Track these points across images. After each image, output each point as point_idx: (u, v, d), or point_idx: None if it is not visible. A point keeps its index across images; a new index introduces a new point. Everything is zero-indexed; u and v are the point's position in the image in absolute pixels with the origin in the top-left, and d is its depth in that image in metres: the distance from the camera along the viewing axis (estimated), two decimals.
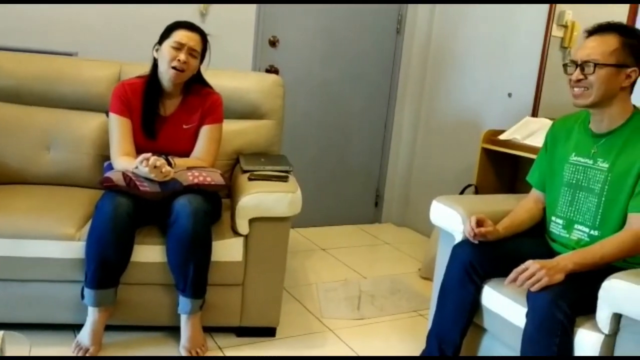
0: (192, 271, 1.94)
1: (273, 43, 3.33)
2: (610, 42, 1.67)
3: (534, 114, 2.96)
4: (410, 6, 3.64)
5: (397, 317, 2.55)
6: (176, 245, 1.94)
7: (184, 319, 2.02)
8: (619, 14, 2.52)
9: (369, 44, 3.61)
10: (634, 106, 1.74)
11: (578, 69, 1.70)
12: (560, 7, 2.87)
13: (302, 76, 3.46)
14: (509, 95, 3.12)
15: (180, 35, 2.08)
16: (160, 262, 2.02)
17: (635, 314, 1.45)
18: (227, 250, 2.08)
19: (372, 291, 2.79)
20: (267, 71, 3.32)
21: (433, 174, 3.70)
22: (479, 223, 1.84)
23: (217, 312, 2.13)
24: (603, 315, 1.53)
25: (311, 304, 2.60)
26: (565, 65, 1.77)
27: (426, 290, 2.72)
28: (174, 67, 2.07)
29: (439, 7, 3.60)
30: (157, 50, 2.13)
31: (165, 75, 2.10)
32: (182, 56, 2.06)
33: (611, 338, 1.54)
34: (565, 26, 2.90)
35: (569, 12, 2.92)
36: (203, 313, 2.06)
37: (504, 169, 2.94)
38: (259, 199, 2.08)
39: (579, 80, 1.70)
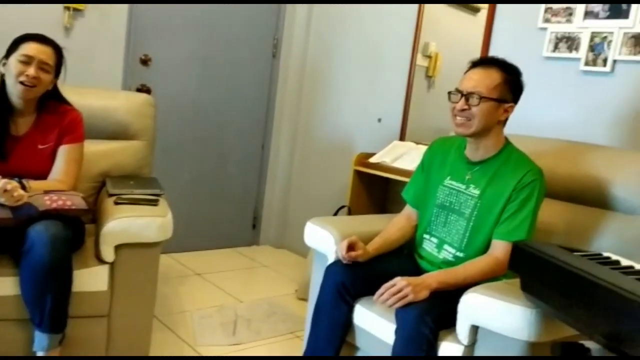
0: (49, 304, 1.79)
1: (145, 62, 3.22)
2: (494, 76, 1.76)
3: (402, 138, 3.12)
4: (286, 30, 3.70)
5: (274, 340, 2.53)
6: (31, 276, 1.78)
7: (40, 355, 1.85)
8: (475, 44, 2.74)
9: (245, 67, 3.62)
10: (506, 138, 1.86)
11: (463, 98, 1.77)
12: (424, 38, 3.07)
13: (176, 96, 3.37)
14: (379, 120, 3.26)
15: (28, 48, 1.93)
16: (13, 295, 1.84)
17: (490, 325, 1.55)
18: (90, 279, 1.95)
19: (248, 315, 2.75)
20: (139, 90, 3.19)
21: (310, 195, 3.75)
22: (351, 246, 1.88)
23: (79, 346, 1.98)
24: (462, 327, 1.62)
25: (185, 331, 2.50)
26: (450, 94, 1.82)
27: (303, 311, 2.73)
28: (21, 82, 1.92)
29: (314, 31, 3.71)
30: (4, 64, 1.97)
31: (14, 91, 1.94)
32: (31, 70, 1.91)
33: (470, 348, 1.63)
34: (430, 57, 3.11)
35: (433, 43, 3.13)
36: (63, 348, 1.90)
37: (375, 190, 3.06)
38: (126, 224, 1.97)
39: (463, 110, 1.77)
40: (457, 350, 1.63)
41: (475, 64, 1.82)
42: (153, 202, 2.11)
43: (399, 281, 1.67)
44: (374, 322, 1.82)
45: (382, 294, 1.69)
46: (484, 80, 1.76)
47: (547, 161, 1.96)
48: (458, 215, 1.86)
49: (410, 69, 3.10)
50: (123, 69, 3.13)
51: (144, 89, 3.21)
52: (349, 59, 3.48)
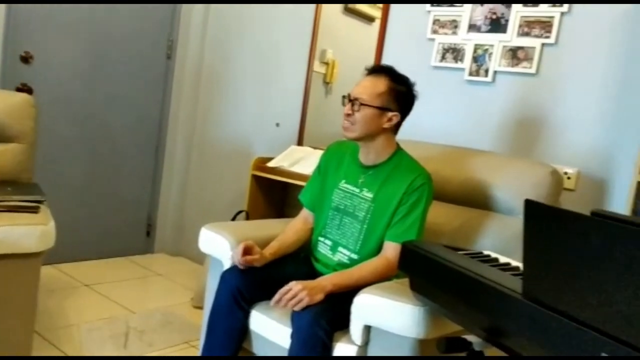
0: None
1: (26, 59, 3.00)
2: (380, 85, 1.82)
3: (299, 142, 3.14)
4: (182, 31, 3.61)
5: (168, 351, 2.44)
6: None
7: None
8: (370, 52, 2.83)
9: (138, 68, 3.48)
10: (397, 144, 1.93)
11: (349, 103, 1.83)
12: (322, 45, 3.12)
13: (61, 97, 3.17)
14: (277, 124, 3.26)
15: None
16: None
17: (382, 324, 1.59)
18: None
19: (141, 326, 2.63)
20: (19, 90, 2.97)
21: (207, 200, 3.68)
22: (246, 250, 1.86)
23: None
24: (356, 328, 1.65)
25: (71, 347, 2.35)
26: (343, 98, 1.88)
27: (198, 320, 2.65)
28: None
29: (210, 33, 3.64)
30: None
31: None
32: None
33: (363, 348, 1.66)
34: (327, 63, 3.16)
35: (330, 50, 3.19)
36: None
37: (273, 195, 3.05)
38: (2, 233, 1.82)
39: (348, 115, 1.83)
40: (351, 350, 1.66)
41: (369, 72, 1.88)
42: (33, 210, 1.97)
43: (294, 286, 1.68)
44: (270, 327, 1.81)
45: (278, 300, 1.69)
46: (370, 88, 1.82)
47: (435, 165, 2.05)
48: (352, 218, 1.90)
49: (307, 74, 3.13)
50: (0, 67, 2.89)
51: (24, 88, 2.99)
52: (246, 63, 3.45)
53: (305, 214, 2.08)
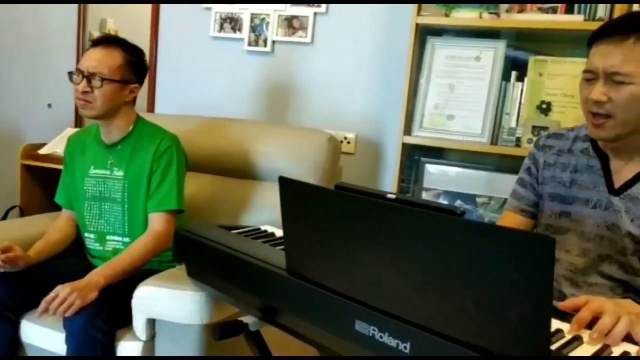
0: None
1: None
2: (116, 57, 1.71)
3: (77, 124, 2.85)
4: None
5: None
6: None
7: None
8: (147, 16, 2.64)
9: None
10: (137, 114, 1.83)
11: (85, 80, 1.67)
12: (99, 14, 2.85)
13: None
14: (49, 105, 2.92)
15: None
16: None
17: (164, 315, 1.51)
18: None
19: None
20: None
21: None
22: (4, 252, 1.63)
23: None
24: (138, 322, 1.55)
25: None
26: (70, 74, 1.71)
27: None
28: None
29: None
30: None
31: None
32: None
33: (150, 343, 1.57)
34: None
35: (111, 20, 2.93)
36: None
37: (50, 186, 2.72)
38: None
39: (85, 92, 1.67)
40: (136, 347, 1.56)
41: (96, 43, 1.75)
42: None
43: (61, 290, 1.51)
44: (43, 336, 1.63)
45: (45, 309, 1.51)
46: (106, 61, 1.70)
47: (198, 138, 2.05)
48: (111, 202, 1.79)
49: (78, 46, 2.83)
50: None
51: None
52: (7, 39, 3.01)
53: (67, 213, 1.92)
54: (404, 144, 2.02)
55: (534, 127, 1.86)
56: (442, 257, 0.80)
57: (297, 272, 1.06)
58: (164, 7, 2.61)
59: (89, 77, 1.67)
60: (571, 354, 0.86)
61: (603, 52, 1.14)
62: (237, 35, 2.47)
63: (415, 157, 2.12)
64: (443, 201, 2.05)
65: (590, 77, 1.17)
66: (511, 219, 1.41)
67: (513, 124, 1.92)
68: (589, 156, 1.28)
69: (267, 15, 2.41)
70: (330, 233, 0.97)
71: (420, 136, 2.02)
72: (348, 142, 2.35)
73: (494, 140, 1.93)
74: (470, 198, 2.01)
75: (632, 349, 0.89)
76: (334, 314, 0.99)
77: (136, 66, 1.76)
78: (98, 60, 1.68)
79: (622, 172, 1.23)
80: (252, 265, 1.16)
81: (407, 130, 2.04)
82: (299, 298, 1.06)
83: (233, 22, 2.48)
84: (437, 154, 2.11)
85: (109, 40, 1.74)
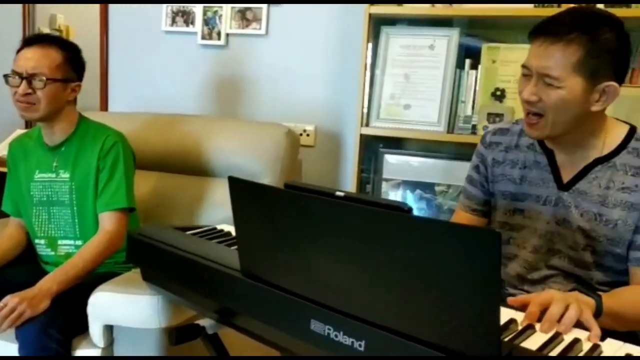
0: None
1: None
2: (54, 55, 1.64)
3: (28, 125, 2.75)
4: None
5: None
6: None
7: None
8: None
9: None
10: (79, 113, 1.78)
11: (24, 81, 1.60)
12: (49, 10, 2.74)
13: None
14: None
15: None
16: None
17: (122, 321, 1.47)
18: None
19: None
20: None
21: None
22: None
23: None
24: (95, 329, 1.51)
25: None
26: (6, 77, 1.65)
27: None
28: None
29: None
30: None
31: None
32: None
33: (108, 349, 1.53)
34: (60, 30, 2.81)
35: (61, 16, 2.83)
36: None
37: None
38: None
39: (26, 94, 1.61)
40: (94, 354, 1.52)
41: (30, 42, 1.67)
42: None
43: (10, 300, 1.46)
44: None
45: None
46: (44, 60, 1.63)
47: (154, 135, 2.02)
48: (60, 206, 1.74)
49: None
50: None
51: None
52: None
53: (16, 221, 1.85)
54: (362, 135, 2.01)
55: (489, 114, 1.87)
56: (391, 254, 0.80)
57: (251, 273, 1.05)
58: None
59: (29, 78, 1.60)
60: (523, 344, 0.86)
61: (537, 51, 1.12)
62: (190, 29, 2.42)
63: (374, 147, 2.11)
64: (403, 191, 2.06)
65: (527, 72, 1.16)
66: (462, 218, 1.41)
67: (469, 112, 1.93)
68: (535, 152, 1.28)
69: (220, 8, 2.36)
70: (281, 233, 0.95)
71: (378, 127, 2.02)
72: (307, 135, 2.33)
73: (450, 129, 1.94)
74: (429, 187, 2.02)
75: (582, 335, 0.91)
76: (289, 314, 0.98)
77: (75, 63, 1.71)
78: (36, 60, 1.62)
79: (569, 167, 1.23)
80: (206, 268, 1.14)
81: (365, 122, 2.03)
82: (253, 299, 1.04)
83: (185, 16, 2.42)
84: (396, 144, 2.11)
85: (44, 39, 1.67)
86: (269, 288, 1.00)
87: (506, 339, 0.87)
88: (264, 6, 2.30)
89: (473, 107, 1.92)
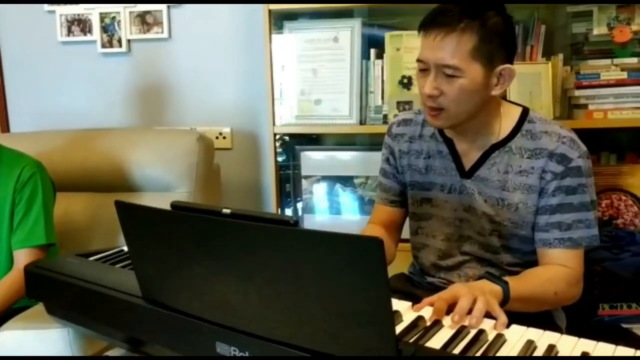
0: None
1: None
2: None
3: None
4: None
5: None
6: None
7: None
8: None
9: None
10: None
11: None
12: None
13: None
14: None
15: None
16: None
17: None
18: None
19: None
20: None
21: None
22: None
23: None
24: None
25: None
26: None
27: None
28: None
29: None
30: None
31: None
32: None
33: None
34: None
35: None
36: None
37: None
38: None
39: None
40: None
41: None
42: None
43: None
44: None
45: None
46: None
47: (62, 155, 1.90)
48: None
49: None
50: None
51: None
52: None
53: None
54: (275, 134, 1.97)
55: (398, 103, 1.87)
56: (281, 267, 0.77)
57: (152, 299, 0.99)
58: (2, 12, 2.37)
59: None
60: (428, 343, 0.85)
61: (433, 44, 1.11)
62: (88, 37, 2.29)
63: (291, 145, 2.08)
64: (323, 186, 2.04)
65: (423, 67, 1.15)
66: (382, 212, 1.40)
67: (379, 102, 1.92)
68: (437, 141, 1.28)
69: (118, 13, 2.25)
70: (174, 255, 0.91)
71: (291, 124, 1.99)
72: (224, 137, 2.27)
73: (362, 120, 1.93)
74: (348, 180, 2.01)
75: (489, 325, 0.91)
76: (194, 339, 0.93)
77: None
78: None
79: (469, 154, 1.24)
80: (107, 297, 1.07)
81: (277, 119, 1.99)
82: (157, 326, 0.99)
83: (82, 24, 2.30)
84: (313, 140, 2.09)
85: None
86: (172, 313, 0.95)
87: (412, 340, 0.86)
88: (164, 8, 2.21)
89: (382, 97, 1.92)
